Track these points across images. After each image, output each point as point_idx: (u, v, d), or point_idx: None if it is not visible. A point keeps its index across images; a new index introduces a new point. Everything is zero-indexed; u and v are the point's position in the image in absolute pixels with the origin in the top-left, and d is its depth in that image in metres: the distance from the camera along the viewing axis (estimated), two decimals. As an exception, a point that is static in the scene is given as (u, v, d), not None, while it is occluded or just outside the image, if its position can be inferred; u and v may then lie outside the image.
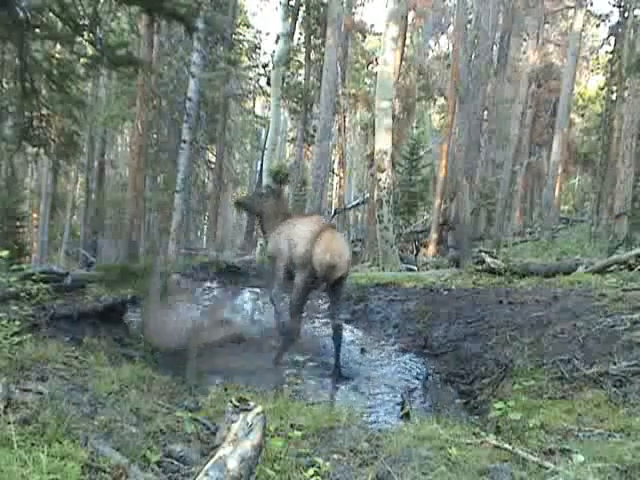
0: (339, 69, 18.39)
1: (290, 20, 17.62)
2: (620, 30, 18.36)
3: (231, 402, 2.09)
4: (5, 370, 2.75)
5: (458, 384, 4.64)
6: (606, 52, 22.31)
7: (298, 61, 21.94)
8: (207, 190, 23.98)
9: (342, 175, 24.92)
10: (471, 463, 2.27)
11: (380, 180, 10.42)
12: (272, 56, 17.51)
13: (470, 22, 17.10)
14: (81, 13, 5.95)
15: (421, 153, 20.65)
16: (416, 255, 13.53)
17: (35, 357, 3.06)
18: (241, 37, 22.33)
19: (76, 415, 2.33)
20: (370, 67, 26.90)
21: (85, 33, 6.06)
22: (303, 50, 21.05)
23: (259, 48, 23.31)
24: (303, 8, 19.28)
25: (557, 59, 27.54)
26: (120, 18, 15.95)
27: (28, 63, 6.07)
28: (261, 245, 14.48)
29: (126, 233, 12.46)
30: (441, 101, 27.00)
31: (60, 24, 6.05)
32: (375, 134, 10.91)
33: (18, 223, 15.90)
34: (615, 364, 3.52)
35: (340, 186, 25.83)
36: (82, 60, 6.98)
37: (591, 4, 21.19)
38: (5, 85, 7.41)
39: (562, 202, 28.76)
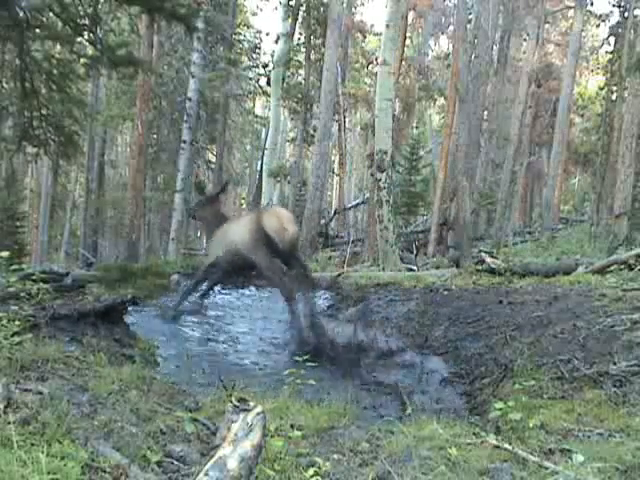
0: (339, 69, 18.40)
1: (290, 20, 17.64)
2: (620, 30, 18.36)
3: (231, 402, 2.09)
4: (5, 370, 2.74)
5: (458, 384, 4.64)
6: (606, 52, 22.32)
7: (298, 61, 21.92)
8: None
9: (342, 175, 24.92)
10: (471, 463, 2.27)
11: (380, 180, 10.39)
12: (272, 56, 17.54)
13: (470, 22, 17.12)
14: (81, 13, 5.96)
15: (421, 153, 20.66)
16: (416, 255, 13.48)
17: (35, 357, 3.05)
18: (241, 37, 22.32)
19: (76, 415, 2.33)
20: (370, 67, 26.94)
21: (85, 33, 6.08)
22: (303, 50, 21.04)
23: (259, 48, 23.27)
24: (303, 8, 19.28)
25: (557, 59, 27.58)
26: (120, 18, 15.91)
27: (28, 63, 6.07)
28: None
29: (126, 233, 12.48)
30: (441, 101, 27.02)
31: (60, 24, 6.05)
32: (375, 134, 10.87)
33: (18, 223, 15.92)
34: (615, 364, 3.52)
35: (340, 186, 25.84)
36: (82, 60, 6.97)
37: (591, 4, 21.23)
38: (5, 85, 7.40)
39: (562, 202, 28.80)
